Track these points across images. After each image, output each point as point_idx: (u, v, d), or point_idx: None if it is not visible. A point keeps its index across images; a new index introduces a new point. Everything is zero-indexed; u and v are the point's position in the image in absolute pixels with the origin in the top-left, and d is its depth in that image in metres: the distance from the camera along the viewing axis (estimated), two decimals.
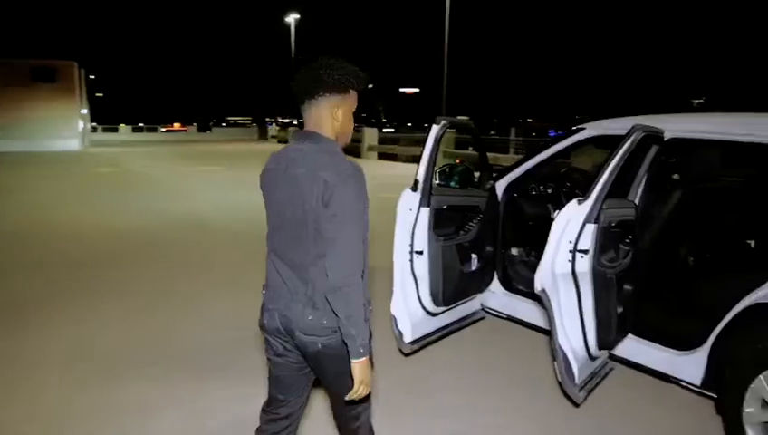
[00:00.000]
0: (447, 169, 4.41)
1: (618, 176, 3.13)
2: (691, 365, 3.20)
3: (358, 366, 1.88)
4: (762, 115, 3.67)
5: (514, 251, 4.66)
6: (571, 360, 3.16)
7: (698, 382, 3.18)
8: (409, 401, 3.53)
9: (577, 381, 3.17)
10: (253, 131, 52.54)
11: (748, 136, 3.26)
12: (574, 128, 4.22)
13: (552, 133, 38.85)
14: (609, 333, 3.28)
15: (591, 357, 3.35)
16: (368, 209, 1.92)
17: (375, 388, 2.03)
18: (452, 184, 4.33)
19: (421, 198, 3.71)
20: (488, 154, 4.76)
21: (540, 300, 3.80)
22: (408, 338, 3.80)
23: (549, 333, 4.07)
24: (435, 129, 3.74)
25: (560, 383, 3.27)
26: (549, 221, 4.53)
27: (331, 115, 1.99)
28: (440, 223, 3.92)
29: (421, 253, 3.77)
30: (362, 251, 1.89)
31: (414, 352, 3.92)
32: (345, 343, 1.89)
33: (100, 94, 70.52)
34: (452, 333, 4.22)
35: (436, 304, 3.90)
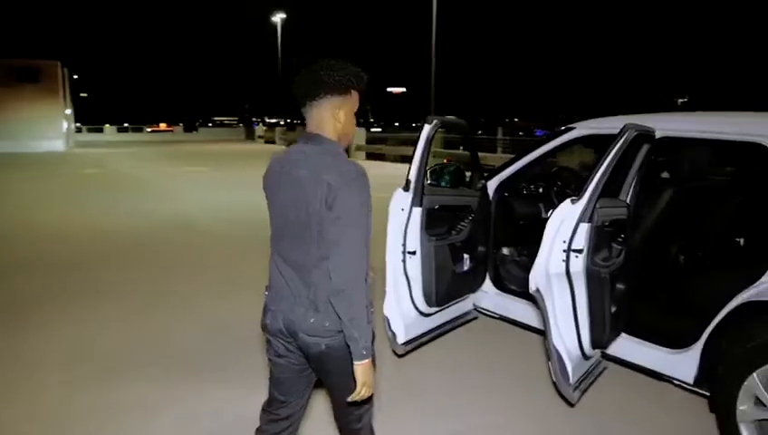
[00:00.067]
0: (439, 169, 4.40)
1: (609, 175, 3.13)
2: (683, 363, 3.21)
3: (360, 368, 1.88)
4: (752, 114, 3.70)
5: (506, 251, 4.66)
6: (566, 360, 3.16)
7: (691, 380, 3.19)
8: (407, 401, 3.52)
9: (571, 380, 3.17)
10: (239, 132, 52.34)
11: (741, 135, 3.27)
12: (564, 127, 4.22)
13: (538, 133, 39.02)
14: (602, 333, 3.28)
15: (585, 357, 3.35)
16: (371, 212, 1.91)
17: (375, 389, 2.02)
18: (443, 184, 4.32)
19: (413, 198, 3.70)
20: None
21: (532, 299, 3.81)
22: (401, 339, 3.79)
23: (541, 332, 4.08)
24: (426, 128, 3.73)
25: (554, 383, 3.28)
26: (540, 220, 4.57)
27: (332, 116, 1.98)
28: (432, 223, 3.90)
29: (414, 253, 3.75)
30: (366, 254, 1.89)
31: (407, 352, 3.91)
32: (348, 345, 1.88)
33: (85, 94, 70.03)
34: (445, 333, 4.22)
35: (429, 304, 3.88)
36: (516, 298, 4.27)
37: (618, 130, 3.16)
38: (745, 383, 2.81)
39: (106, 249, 7.59)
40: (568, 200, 3.09)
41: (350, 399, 1.95)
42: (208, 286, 5.94)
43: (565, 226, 3.05)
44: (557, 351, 3.15)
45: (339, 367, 1.97)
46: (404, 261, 3.75)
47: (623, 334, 3.53)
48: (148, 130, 54.03)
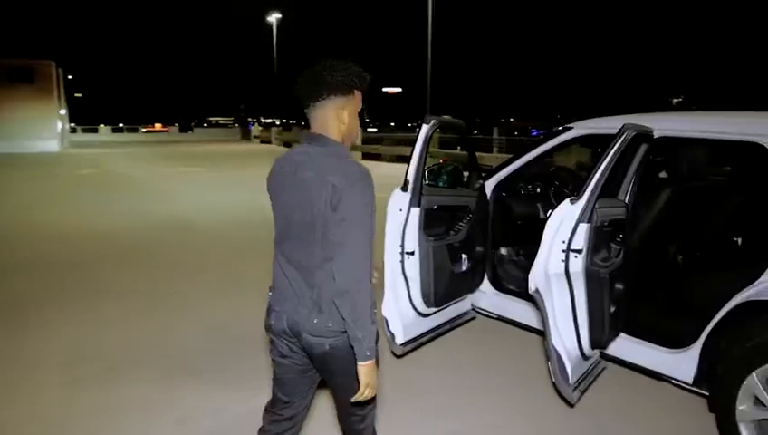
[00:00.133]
0: (437, 169, 4.39)
1: (608, 175, 3.13)
2: (682, 363, 3.21)
3: (364, 369, 1.88)
4: (750, 114, 3.70)
5: (504, 251, 4.65)
6: (565, 360, 3.15)
7: (690, 380, 3.19)
8: (407, 401, 3.51)
9: (571, 381, 3.17)
10: (235, 132, 52.25)
11: (740, 135, 3.27)
12: (561, 127, 4.22)
13: (534, 132, 39.09)
14: (602, 333, 3.28)
15: (585, 357, 3.35)
16: (375, 213, 1.91)
17: (378, 390, 2.02)
18: (441, 184, 4.31)
19: (411, 198, 3.68)
20: None
21: (530, 299, 3.81)
22: (399, 340, 3.77)
23: (540, 332, 4.08)
24: (425, 128, 3.72)
25: (554, 384, 3.27)
26: (538, 220, 4.56)
27: (336, 117, 1.98)
28: (430, 223, 3.90)
29: (412, 253, 3.74)
30: (370, 255, 1.89)
31: (406, 353, 3.90)
32: (352, 346, 1.88)
33: (79, 94, 69.78)
34: (444, 334, 4.21)
35: (428, 304, 3.87)
36: (514, 298, 4.26)
37: (615, 130, 3.16)
38: (745, 383, 2.81)
39: (104, 250, 7.57)
40: (567, 200, 3.08)
41: (353, 399, 1.94)
42: (207, 287, 5.93)
43: (564, 226, 3.04)
44: (556, 351, 3.14)
45: (342, 368, 1.97)
46: (402, 261, 3.74)
47: (622, 334, 3.52)
48: (144, 130, 53.96)
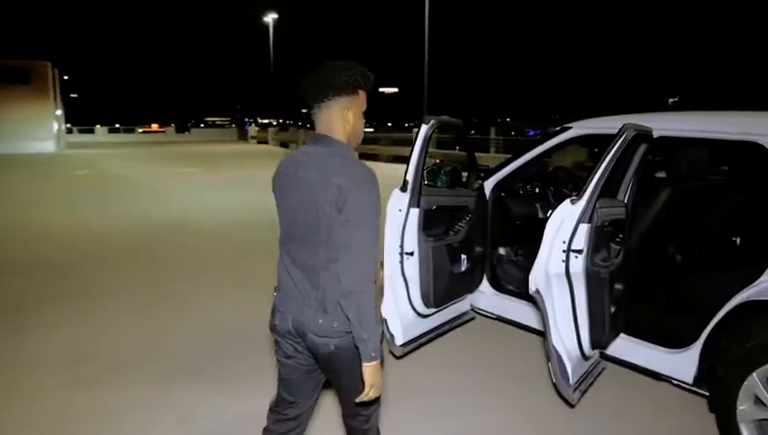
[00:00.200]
0: (436, 169, 4.38)
1: (608, 175, 3.12)
2: (683, 363, 3.21)
3: (369, 369, 1.88)
4: (749, 113, 3.70)
5: (503, 251, 4.65)
6: (566, 361, 3.15)
7: (690, 380, 3.19)
8: (407, 401, 3.50)
9: (571, 381, 3.16)
10: (232, 132, 52.17)
11: (740, 134, 3.27)
12: (560, 127, 4.22)
13: (531, 132, 39.13)
14: (602, 333, 3.27)
15: (585, 357, 3.34)
16: (380, 214, 1.91)
17: (383, 390, 2.03)
18: (440, 184, 4.30)
19: (410, 199, 3.68)
20: None
21: (529, 299, 3.81)
22: (399, 340, 3.77)
23: (538, 332, 4.08)
24: (424, 128, 3.71)
25: (554, 384, 3.27)
26: (537, 220, 4.56)
27: (341, 117, 1.98)
28: (429, 223, 3.89)
29: (411, 254, 3.74)
30: (375, 256, 1.89)
31: (405, 354, 3.89)
32: (357, 346, 1.88)
33: (75, 95, 69.55)
34: (443, 334, 4.20)
35: (427, 305, 3.87)
36: (513, 298, 4.26)
37: (614, 130, 3.16)
38: (745, 383, 2.81)
39: (102, 250, 7.55)
40: (568, 201, 3.08)
41: (357, 400, 1.95)
42: (207, 287, 5.92)
43: (565, 226, 3.04)
44: (557, 351, 3.14)
45: (348, 368, 1.97)
46: (401, 262, 3.73)
47: (622, 335, 3.52)
48: (140, 130, 53.70)
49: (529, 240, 4.32)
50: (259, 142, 39.91)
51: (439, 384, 3.76)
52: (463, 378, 3.86)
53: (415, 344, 3.92)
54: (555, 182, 4.79)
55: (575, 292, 3.12)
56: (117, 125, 54.79)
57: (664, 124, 3.59)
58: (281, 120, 46.77)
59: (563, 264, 3.04)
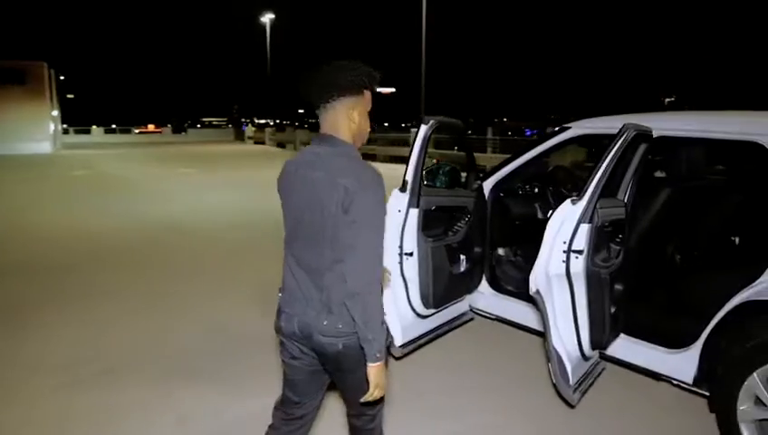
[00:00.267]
0: (435, 170, 4.38)
1: (608, 175, 3.12)
2: (683, 363, 3.21)
3: (374, 370, 1.88)
4: (748, 113, 3.70)
5: (502, 251, 4.64)
6: (566, 361, 3.15)
7: (690, 380, 3.19)
8: (406, 401, 3.50)
9: (571, 382, 3.16)
10: (228, 133, 52.10)
11: (740, 134, 3.27)
12: (558, 127, 4.22)
13: (527, 132, 39.18)
14: (602, 333, 3.27)
15: (585, 358, 3.34)
16: (386, 215, 1.90)
17: (387, 390, 2.04)
18: (439, 184, 4.29)
19: (410, 199, 3.67)
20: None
21: (528, 300, 3.81)
22: (398, 342, 3.76)
23: (537, 332, 4.08)
24: (423, 129, 3.71)
25: (554, 385, 3.26)
26: (536, 220, 4.56)
27: (347, 117, 1.97)
28: (428, 224, 3.88)
29: (411, 254, 3.73)
30: (381, 257, 1.89)
31: (405, 355, 3.89)
32: (362, 347, 1.89)
33: (71, 95, 69.40)
34: (442, 335, 4.20)
35: (427, 306, 3.86)
36: (512, 299, 4.25)
37: (614, 130, 3.16)
38: (746, 383, 2.81)
39: (100, 251, 7.53)
40: (568, 201, 3.07)
41: (362, 399, 1.96)
42: (205, 287, 5.91)
43: (566, 227, 3.04)
44: (557, 352, 3.14)
45: (354, 367, 1.98)
46: (401, 263, 3.72)
47: (622, 335, 3.52)
48: (136, 131, 53.58)
49: (528, 240, 4.32)
50: (256, 143, 39.85)
51: (439, 385, 3.76)
52: (462, 378, 3.86)
53: (414, 345, 3.91)
54: (554, 182, 4.79)
55: (575, 292, 3.12)
56: (113, 126, 54.65)
57: (664, 124, 3.59)
58: (278, 121, 46.76)
59: (564, 264, 3.04)
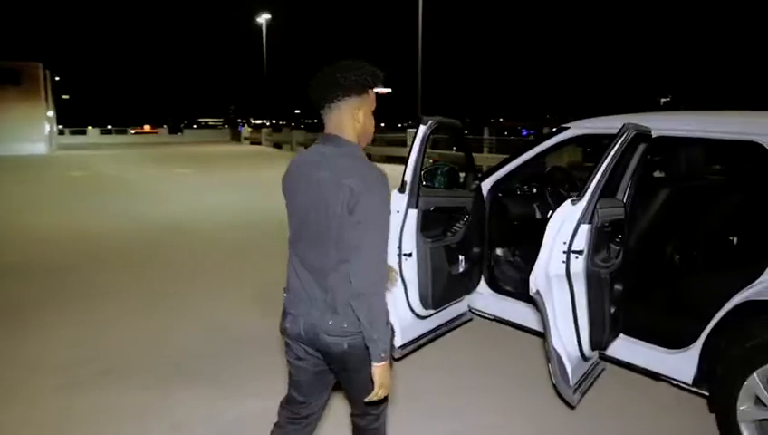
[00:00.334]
0: (433, 170, 4.37)
1: (608, 175, 3.12)
2: (682, 363, 3.21)
3: (378, 369, 1.89)
4: (748, 113, 3.71)
5: (500, 251, 4.64)
6: (566, 362, 3.14)
7: (690, 380, 3.19)
8: (405, 402, 3.49)
9: (571, 382, 3.16)
10: (225, 133, 51.93)
11: (739, 134, 3.27)
12: (557, 128, 4.22)
13: (524, 132, 39.23)
14: (602, 334, 3.27)
15: (585, 358, 3.34)
16: (390, 215, 1.91)
17: (391, 390, 2.06)
18: (437, 185, 4.29)
19: (409, 200, 3.66)
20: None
21: (526, 300, 3.81)
22: (398, 342, 3.75)
23: (536, 332, 4.08)
24: (422, 129, 3.70)
25: (554, 385, 3.26)
26: (534, 221, 4.56)
27: (352, 117, 1.97)
28: (427, 224, 3.88)
29: (410, 255, 3.72)
30: (386, 258, 1.90)
31: (404, 355, 3.88)
32: (366, 347, 1.90)
33: (67, 96, 69.08)
34: (441, 335, 4.19)
35: (426, 306, 3.85)
36: (511, 299, 4.25)
37: (613, 130, 3.16)
38: (746, 383, 2.81)
39: (99, 252, 7.51)
40: (568, 201, 3.07)
41: (367, 399, 1.96)
42: (204, 287, 5.91)
43: (566, 227, 3.03)
44: (557, 353, 3.14)
45: (359, 367, 1.98)
46: (400, 263, 3.72)
47: (622, 335, 3.52)
48: (132, 132, 53.45)
49: (526, 241, 4.32)
50: (252, 143, 39.78)
51: (438, 385, 3.75)
52: (462, 378, 3.86)
53: (413, 346, 3.91)
54: (552, 182, 4.79)
55: (575, 293, 3.12)
56: (109, 126, 54.59)
57: (663, 124, 3.59)
58: (274, 121, 46.77)
59: (564, 265, 3.04)
